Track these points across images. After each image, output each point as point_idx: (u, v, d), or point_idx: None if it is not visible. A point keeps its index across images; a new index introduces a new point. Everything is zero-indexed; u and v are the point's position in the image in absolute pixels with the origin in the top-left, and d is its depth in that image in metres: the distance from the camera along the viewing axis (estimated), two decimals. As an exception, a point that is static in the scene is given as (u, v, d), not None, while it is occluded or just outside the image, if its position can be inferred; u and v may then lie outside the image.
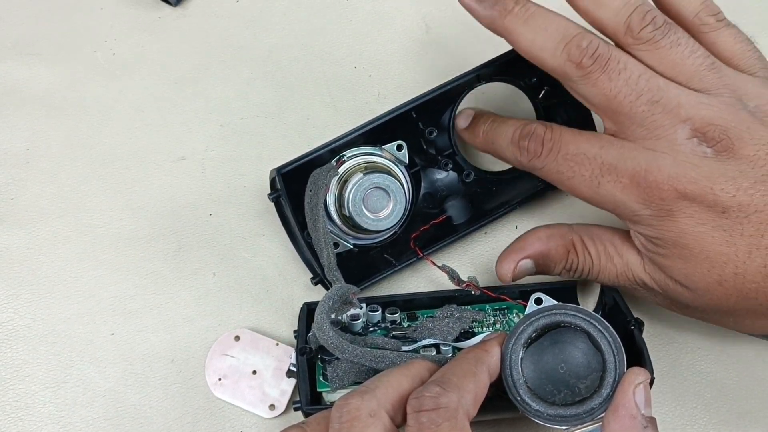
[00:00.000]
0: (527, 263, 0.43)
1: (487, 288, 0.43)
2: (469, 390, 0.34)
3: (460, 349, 0.40)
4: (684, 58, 0.38)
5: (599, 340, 0.36)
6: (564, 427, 0.36)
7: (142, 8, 0.56)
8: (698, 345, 0.45)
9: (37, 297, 0.47)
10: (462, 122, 0.47)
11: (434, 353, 0.40)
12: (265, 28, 0.56)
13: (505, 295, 0.43)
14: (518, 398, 0.36)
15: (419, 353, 0.40)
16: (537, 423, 0.36)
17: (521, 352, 0.37)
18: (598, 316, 0.37)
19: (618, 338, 0.36)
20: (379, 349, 0.39)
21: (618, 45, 0.40)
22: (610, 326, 0.36)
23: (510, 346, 0.37)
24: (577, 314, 0.37)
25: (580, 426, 0.35)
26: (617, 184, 0.38)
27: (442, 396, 0.32)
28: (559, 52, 0.39)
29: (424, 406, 0.32)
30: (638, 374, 0.35)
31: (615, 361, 0.36)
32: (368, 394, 0.33)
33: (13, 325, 0.46)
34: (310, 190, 0.43)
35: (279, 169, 0.43)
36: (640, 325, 0.40)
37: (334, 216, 0.44)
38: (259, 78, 0.54)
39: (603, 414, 0.35)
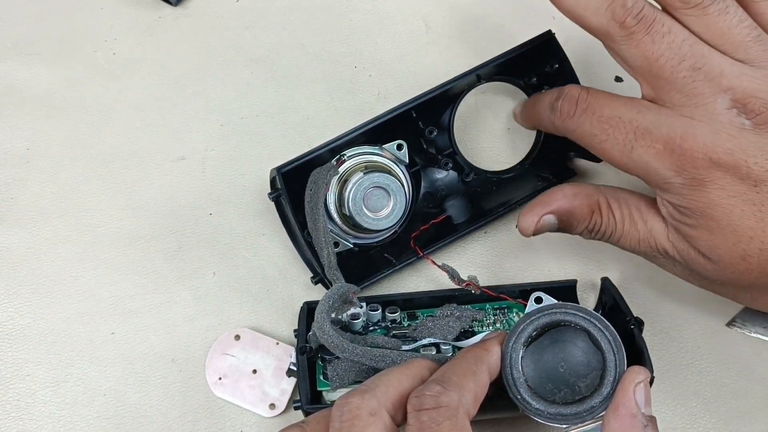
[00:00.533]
0: (550, 218, 0.42)
1: (487, 287, 0.43)
2: (469, 389, 0.34)
3: (460, 348, 0.40)
4: (731, 27, 0.38)
5: (599, 338, 0.36)
6: (564, 426, 0.36)
7: (142, 8, 0.56)
8: (698, 345, 0.45)
9: (38, 296, 0.47)
10: (519, 109, 0.49)
11: (434, 352, 0.40)
12: (265, 28, 0.56)
13: (505, 294, 0.43)
14: (518, 397, 0.36)
15: (419, 352, 0.40)
16: (537, 422, 0.36)
17: (521, 351, 0.37)
18: (598, 315, 0.37)
19: (618, 337, 0.36)
20: (379, 348, 0.39)
21: (665, 9, 0.39)
22: (610, 325, 0.36)
23: (510, 344, 0.37)
24: (577, 313, 0.37)
25: (580, 424, 0.35)
26: (650, 149, 0.38)
27: (443, 395, 0.32)
28: (603, 11, 0.38)
29: (425, 405, 0.32)
30: (638, 373, 0.35)
31: (615, 360, 0.36)
32: (369, 393, 0.33)
33: (13, 324, 0.46)
34: (311, 190, 0.44)
35: (279, 169, 0.43)
36: (639, 324, 0.40)
37: (335, 215, 0.45)
38: (259, 78, 0.54)
39: (603, 413, 0.35)
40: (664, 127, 0.38)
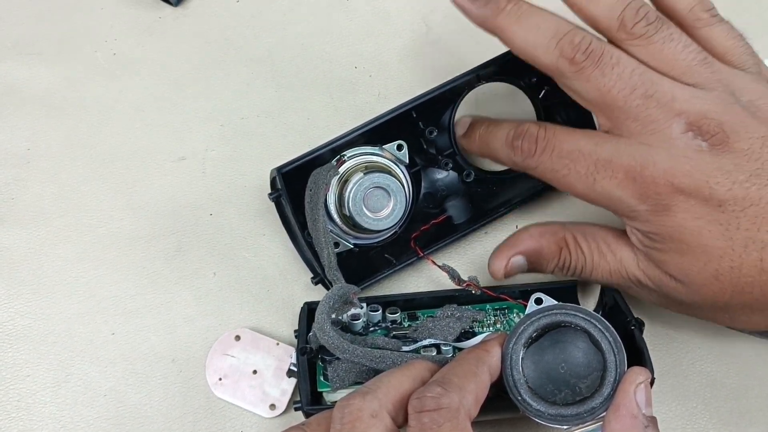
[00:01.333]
0: (519, 260, 0.43)
1: (488, 288, 0.43)
2: (470, 390, 0.34)
3: (460, 349, 0.40)
4: (677, 53, 0.38)
5: (599, 339, 0.36)
6: (565, 427, 0.36)
7: (142, 8, 0.56)
8: (698, 345, 0.45)
9: (38, 297, 0.47)
10: (459, 130, 0.47)
11: (435, 353, 0.40)
12: (266, 28, 0.56)
13: (505, 294, 0.43)
14: (519, 398, 0.36)
15: (420, 353, 0.40)
16: (538, 423, 0.36)
17: (522, 352, 0.37)
18: (599, 315, 0.37)
19: (618, 338, 0.36)
20: (380, 349, 0.39)
21: (611, 41, 0.40)
22: (610, 326, 0.36)
23: (510, 346, 0.37)
24: (578, 314, 0.37)
25: (581, 425, 0.36)
26: (613, 180, 0.38)
27: (444, 396, 0.32)
28: (552, 49, 0.39)
29: (426, 407, 0.32)
30: (639, 374, 0.35)
31: (615, 361, 0.36)
32: (370, 394, 0.33)
33: (13, 324, 0.46)
34: (311, 190, 0.44)
35: (279, 169, 0.43)
36: (640, 325, 0.40)
37: (335, 216, 0.45)
38: (259, 78, 0.54)
39: (604, 413, 0.35)
40: (624, 157, 0.38)
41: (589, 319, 0.37)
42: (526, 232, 0.43)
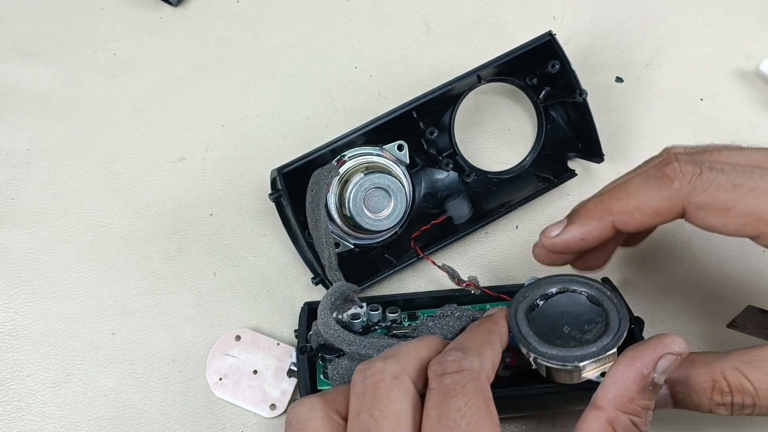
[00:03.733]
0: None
1: (487, 287, 0.43)
2: (487, 356, 0.34)
3: None
4: None
5: (596, 294, 0.37)
6: (581, 364, 0.35)
7: (143, 8, 0.56)
8: (698, 345, 0.45)
9: (38, 297, 0.47)
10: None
11: None
12: (266, 28, 0.56)
13: (505, 294, 0.43)
14: (530, 347, 0.36)
15: None
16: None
17: (525, 320, 0.37)
18: (587, 277, 0.38)
19: (613, 290, 0.37)
20: (386, 339, 0.39)
21: None
22: (600, 282, 0.38)
23: (514, 314, 0.37)
24: (573, 278, 0.38)
25: (593, 362, 0.35)
26: None
27: (464, 360, 0.32)
28: None
29: (448, 369, 0.32)
30: (676, 344, 0.33)
31: (616, 308, 0.36)
32: (391, 358, 0.33)
33: (14, 324, 0.46)
34: (312, 190, 0.44)
35: (280, 169, 0.43)
36: (640, 324, 0.40)
37: (335, 216, 0.45)
38: (259, 78, 0.54)
39: (614, 351, 0.35)
40: None
41: (582, 280, 0.38)
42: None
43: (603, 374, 0.35)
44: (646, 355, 0.33)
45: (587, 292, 0.38)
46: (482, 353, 0.34)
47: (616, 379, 0.33)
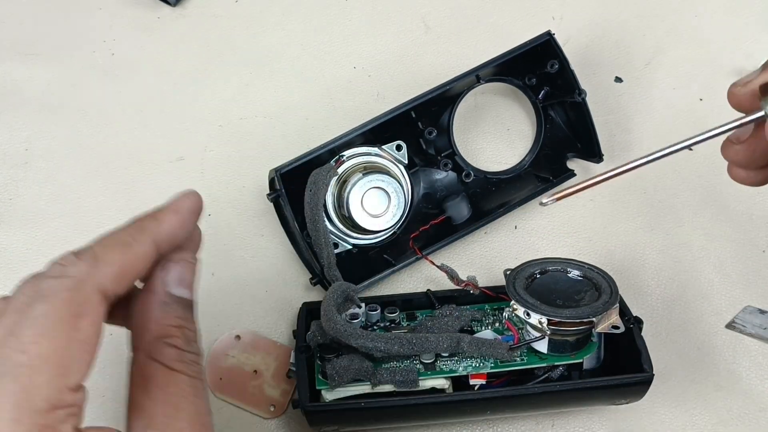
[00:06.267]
0: None
1: (486, 287, 0.43)
2: (111, 261, 0.30)
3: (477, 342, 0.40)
4: None
5: (581, 268, 0.40)
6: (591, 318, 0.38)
7: (142, 8, 0.56)
8: (698, 345, 0.45)
9: (37, 297, 0.47)
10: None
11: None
12: (265, 28, 0.56)
13: (504, 294, 0.43)
14: (529, 303, 0.38)
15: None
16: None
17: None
18: (560, 257, 0.41)
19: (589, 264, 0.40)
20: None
21: None
22: (572, 259, 0.41)
23: (514, 290, 0.40)
24: (556, 259, 0.41)
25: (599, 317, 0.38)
26: None
27: (72, 265, 0.29)
28: None
29: (48, 273, 0.29)
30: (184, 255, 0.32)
31: (605, 279, 0.39)
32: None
33: (12, 325, 0.46)
34: (310, 191, 0.43)
35: (278, 170, 0.43)
36: (639, 323, 0.40)
37: (334, 216, 0.44)
38: (258, 78, 0.54)
39: (617, 305, 0.38)
40: None
41: (557, 260, 0.41)
42: None
43: (614, 327, 0.38)
44: (158, 279, 0.31)
45: (568, 269, 0.41)
46: (103, 257, 0.29)
47: (139, 318, 0.31)
